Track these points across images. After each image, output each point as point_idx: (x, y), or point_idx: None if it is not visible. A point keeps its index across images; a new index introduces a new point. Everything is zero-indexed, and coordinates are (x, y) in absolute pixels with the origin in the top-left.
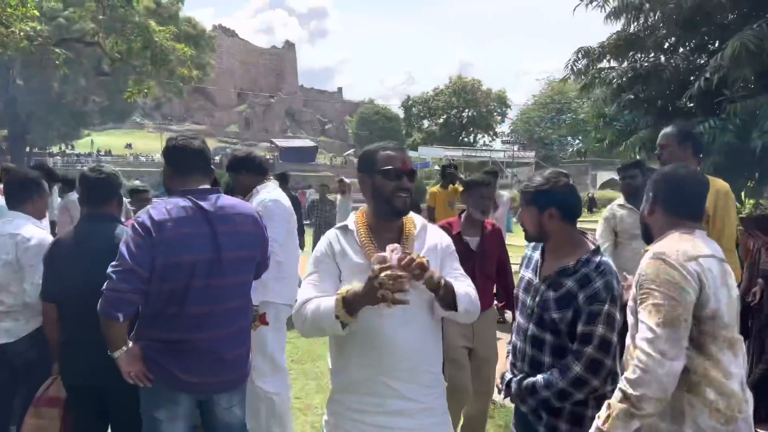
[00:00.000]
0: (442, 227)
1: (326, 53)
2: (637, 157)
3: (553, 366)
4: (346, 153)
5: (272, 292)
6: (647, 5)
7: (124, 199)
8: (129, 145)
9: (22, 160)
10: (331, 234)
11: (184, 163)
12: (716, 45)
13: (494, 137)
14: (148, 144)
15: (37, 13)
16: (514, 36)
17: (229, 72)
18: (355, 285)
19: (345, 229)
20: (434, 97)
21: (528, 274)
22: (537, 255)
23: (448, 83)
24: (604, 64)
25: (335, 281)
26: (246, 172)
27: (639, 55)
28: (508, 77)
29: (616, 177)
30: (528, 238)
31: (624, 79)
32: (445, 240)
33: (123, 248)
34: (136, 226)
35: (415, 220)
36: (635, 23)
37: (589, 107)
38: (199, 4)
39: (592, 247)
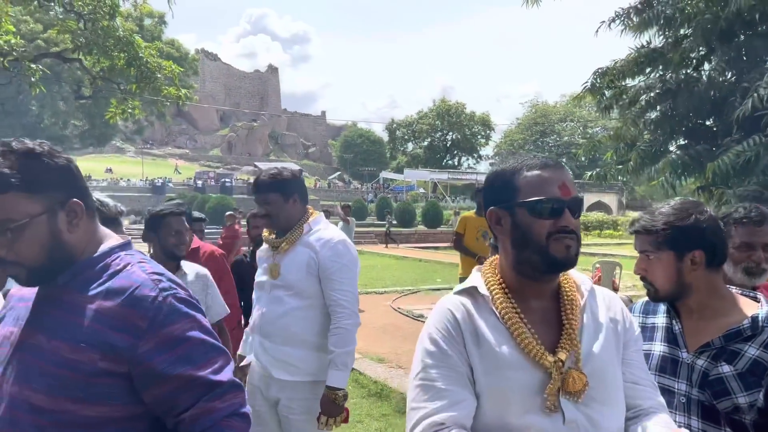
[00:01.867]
0: None
1: (309, 77)
2: (667, 182)
3: None
4: (331, 176)
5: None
6: (679, 16)
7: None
8: (109, 170)
9: None
10: (451, 303)
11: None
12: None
13: (479, 160)
14: (129, 169)
15: (12, 28)
16: (495, 60)
17: (212, 95)
18: None
19: (472, 295)
20: (418, 120)
21: (661, 348)
22: (662, 319)
23: (432, 106)
24: (624, 83)
25: (467, 383)
26: (299, 196)
27: (664, 71)
28: (490, 100)
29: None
30: (657, 297)
31: (651, 94)
32: (625, 313)
33: None
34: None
35: (576, 277)
36: (662, 36)
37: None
38: (181, 29)
39: (751, 297)
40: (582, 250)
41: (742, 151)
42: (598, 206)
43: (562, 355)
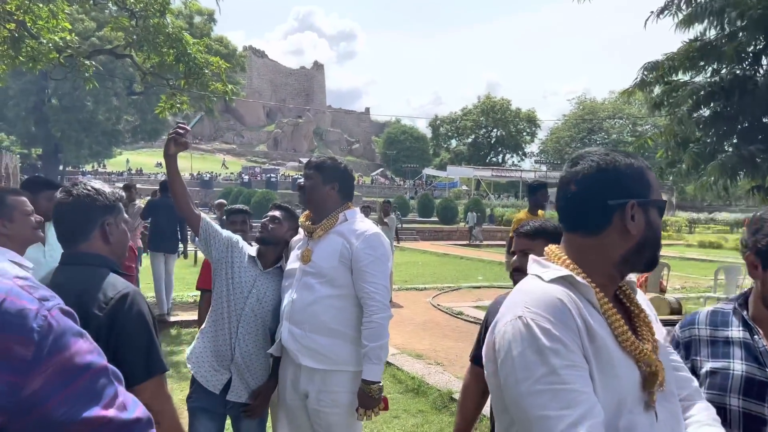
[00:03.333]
0: None
1: (354, 74)
2: (716, 183)
3: None
4: (374, 173)
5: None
6: (731, 11)
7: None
8: (159, 164)
9: (55, 178)
10: (557, 291)
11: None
12: None
13: (523, 157)
14: (178, 163)
15: (69, 25)
16: (541, 56)
17: (258, 92)
18: None
19: (571, 284)
20: (462, 117)
21: (742, 367)
22: (738, 333)
23: (477, 103)
24: (676, 78)
25: (591, 383)
26: (340, 187)
27: (717, 66)
28: (536, 97)
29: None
30: None
31: (703, 93)
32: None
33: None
34: None
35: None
36: (714, 29)
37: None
38: (230, 26)
39: None
40: None
41: None
42: None
43: (649, 346)
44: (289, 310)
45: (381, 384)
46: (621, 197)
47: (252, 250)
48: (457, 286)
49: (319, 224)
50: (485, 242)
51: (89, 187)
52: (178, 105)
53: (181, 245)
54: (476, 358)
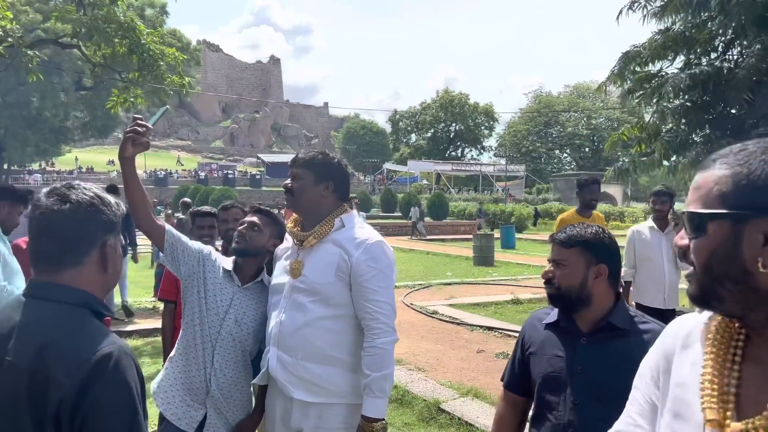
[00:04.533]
0: None
1: (311, 69)
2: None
3: None
4: None
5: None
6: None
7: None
8: (111, 162)
9: None
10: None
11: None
12: None
13: (482, 151)
14: None
15: (9, 14)
16: (498, 51)
17: (214, 87)
18: None
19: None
20: (421, 111)
21: None
22: None
23: (435, 97)
24: (651, 68)
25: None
26: (335, 187)
27: (688, 56)
28: (493, 92)
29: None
30: None
31: (681, 85)
32: None
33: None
34: None
35: None
36: (693, 18)
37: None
38: (183, 20)
39: None
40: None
41: None
42: (604, 197)
43: (741, 426)
44: (277, 333)
45: (385, 422)
46: (753, 208)
47: (227, 262)
48: (427, 283)
49: (311, 231)
50: (447, 237)
51: (92, 193)
52: (132, 99)
53: (130, 249)
54: (510, 384)
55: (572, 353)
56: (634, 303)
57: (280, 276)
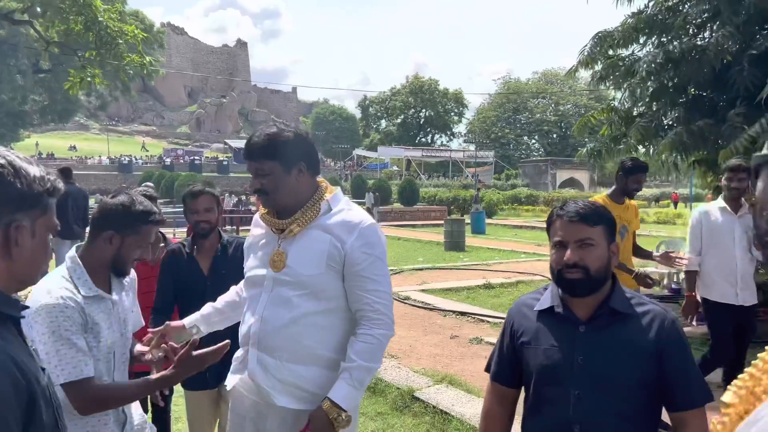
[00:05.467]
0: None
1: (280, 53)
2: (668, 161)
3: None
4: None
5: None
6: None
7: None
8: (73, 147)
9: None
10: None
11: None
12: None
13: (452, 137)
14: (94, 146)
15: None
16: (467, 37)
17: (179, 71)
18: None
19: None
20: (391, 97)
21: None
22: None
23: (405, 83)
24: (623, 51)
25: None
26: (308, 165)
27: (662, 38)
28: (462, 78)
29: (575, 176)
30: None
31: (653, 65)
32: None
33: None
34: None
35: None
36: (660, 1)
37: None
38: (147, 1)
39: None
40: None
41: (757, 135)
42: (571, 183)
43: None
44: (257, 331)
45: (350, 416)
46: None
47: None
48: (399, 269)
49: (292, 218)
50: (418, 222)
51: (2, 159)
52: (89, 79)
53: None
54: (498, 376)
55: (571, 342)
56: (700, 298)
57: (257, 268)
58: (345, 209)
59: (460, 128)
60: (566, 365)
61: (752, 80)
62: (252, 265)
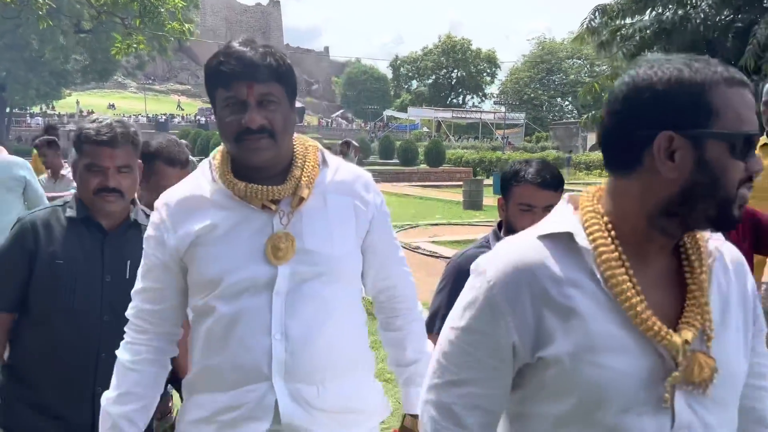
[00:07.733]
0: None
1: (312, 11)
2: None
3: None
4: (335, 114)
5: None
6: None
7: None
8: (112, 105)
9: (1, 120)
10: (526, 255)
11: None
12: None
13: (483, 98)
14: (131, 104)
15: None
16: None
17: (213, 30)
18: None
19: (563, 244)
20: (423, 57)
21: None
22: None
23: (437, 43)
24: (622, 21)
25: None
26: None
27: (661, 10)
28: (498, 37)
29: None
30: None
31: (647, 32)
32: (752, 281)
33: None
34: None
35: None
36: None
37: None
38: None
39: None
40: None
41: None
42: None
43: (689, 334)
44: (284, 357)
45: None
46: (652, 125)
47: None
48: (415, 224)
49: (291, 179)
50: (445, 183)
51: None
52: (134, 45)
53: None
54: None
55: None
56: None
57: (240, 270)
58: (334, 159)
59: (493, 89)
60: None
61: (735, 53)
62: (226, 268)
